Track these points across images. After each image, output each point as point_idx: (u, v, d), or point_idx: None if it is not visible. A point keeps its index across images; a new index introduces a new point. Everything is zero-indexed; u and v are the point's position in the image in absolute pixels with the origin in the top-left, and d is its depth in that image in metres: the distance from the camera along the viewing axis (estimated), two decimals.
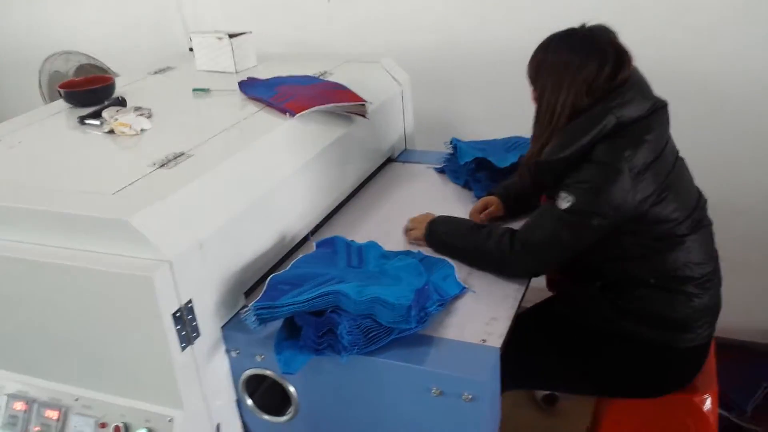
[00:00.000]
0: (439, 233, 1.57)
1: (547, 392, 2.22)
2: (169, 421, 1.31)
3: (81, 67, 2.58)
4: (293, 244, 1.65)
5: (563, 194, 1.37)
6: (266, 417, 1.45)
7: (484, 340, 1.30)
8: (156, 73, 2.22)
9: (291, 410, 1.42)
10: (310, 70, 2.07)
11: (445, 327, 1.35)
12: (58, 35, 3.02)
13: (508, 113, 2.49)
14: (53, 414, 1.39)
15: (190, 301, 1.28)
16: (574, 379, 1.57)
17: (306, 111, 1.71)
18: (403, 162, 2.17)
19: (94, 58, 2.58)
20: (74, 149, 1.63)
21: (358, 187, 1.97)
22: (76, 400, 1.39)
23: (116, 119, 1.64)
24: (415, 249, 1.59)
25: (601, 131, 1.35)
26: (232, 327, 1.40)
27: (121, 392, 1.35)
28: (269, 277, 1.38)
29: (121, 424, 1.33)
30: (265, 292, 1.34)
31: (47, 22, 3.09)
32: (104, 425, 1.35)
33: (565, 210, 1.36)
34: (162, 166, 1.43)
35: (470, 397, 1.22)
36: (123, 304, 1.24)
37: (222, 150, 1.51)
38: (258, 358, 1.38)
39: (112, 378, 1.35)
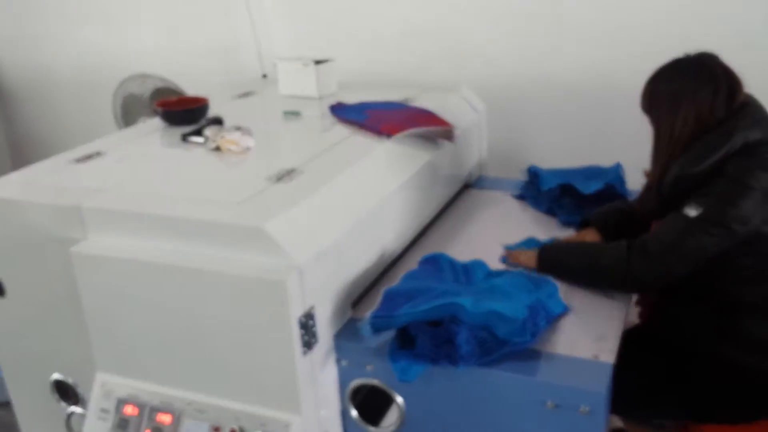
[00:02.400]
0: (551, 252, 1.60)
1: (616, 428, 2.22)
2: (286, 426, 1.33)
3: (157, 90, 2.67)
4: (390, 261, 1.69)
5: (692, 204, 1.40)
6: (372, 429, 1.47)
7: (596, 356, 1.33)
8: (240, 96, 2.30)
9: (396, 422, 1.44)
10: (391, 98, 2.14)
11: (554, 343, 1.38)
12: (129, 58, 3.13)
13: (576, 144, 2.56)
14: (166, 418, 1.42)
15: (312, 308, 1.32)
16: (668, 403, 1.58)
17: (401, 133, 1.77)
18: (480, 188, 2.22)
19: (169, 81, 2.67)
20: (184, 164, 1.70)
21: (440, 211, 2.02)
22: (189, 404, 1.42)
23: (223, 137, 1.71)
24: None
25: (731, 149, 1.40)
26: (343, 336, 1.44)
27: (236, 396, 1.38)
28: (384, 290, 1.42)
29: (236, 428, 1.36)
30: (381, 303, 1.38)
31: (121, 44, 3.20)
32: (218, 429, 1.38)
33: (693, 217, 1.40)
34: (278, 180, 1.49)
35: (587, 410, 1.24)
36: (252, 307, 1.28)
37: (330, 167, 1.58)
38: (368, 368, 1.41)
39: (227, 382, 1.38)
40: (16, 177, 1.66)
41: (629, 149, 2.22)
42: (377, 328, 1.35)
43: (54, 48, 3.43)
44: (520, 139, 2.64)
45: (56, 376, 1.70)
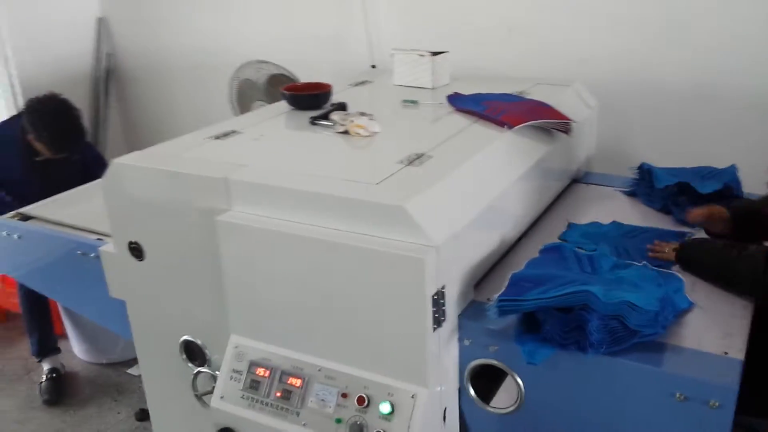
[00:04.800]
0: (691, 247, 1.63)
1: None
2: (412, 397, 1.39)
3: (272, 76, 2.79)
4: (508, 248, 1.74)
5: None
6: (489, 408, 1.52)
7: (725, 353, 1.33)
8: (356, 85, 2.38)
9: (515, 403, 1.48)
10: (504, 90, 2.17)
11: (681, 337, 1.39)
12: (242, 44, 3.28)
13: (681, 145, 2.53)
14: (296, 381, 1.50)
15: (443, 287, 1.38)
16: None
17: (522, 124, 1.81)
18: (587, 184, 2.23)
19: (284, 68, 2.78)
20: (316, 145, 1.79)
21: (551, 203, 2.05)
22: (319, 370, 1.50)
23: (351, 121, 1.78)
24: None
25: None
26: (467, 316, 1.49)
27: (365, 366, 1.44)
28: (511, 274, 1.46)
29: (364, 395, 1.43)
30: (508, 287, 1.43)
31: (235, 31, 3.35)
32: (346, 395, 1.45)
33: None
34: (410, 163, 1.55)
35: (717, 404, 1.25)
36: (390, 282, 1.34)
37: (458, 153, 1.63)
38: (491, 349, 1.46)
39: (357, 351, 1.45)
40: (159, 150, 1.78)
41: (738, 152, 2.20)
42: (505, 311, 1.39)
43: (169, 33, 3.62)
44: (624, 138, 2.63)
45: (186, 337, 1.81)
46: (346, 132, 1.80)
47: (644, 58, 2.51)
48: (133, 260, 1.77)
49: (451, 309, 1.44)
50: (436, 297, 1.35)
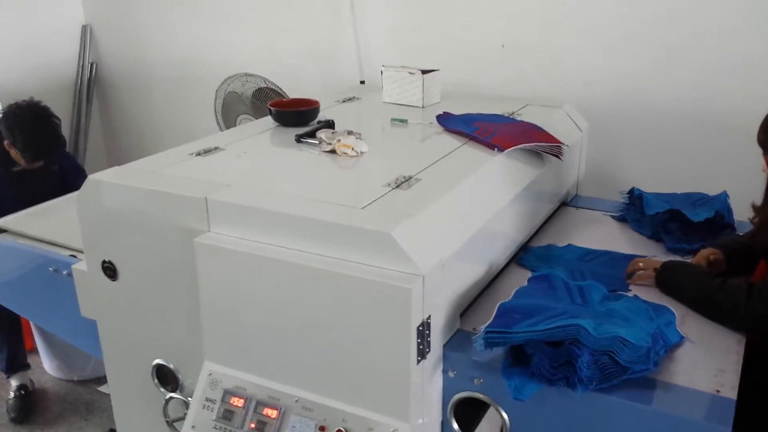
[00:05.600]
0: (673, 270, 1.60)
1: None
2: None
3: (258, 90, 2.73)
4: (495, 274, 1.69)
5: None
6: None
7: (718, 391, 1.29)
8: (344, 101, 2.34)
9: None
10: (495, 110, 2.13)
11: (672, 373, 1.35)
12: (227, 56, 3.22)
13: (673, 170, 2.51)
14: (272, 412, 1.44)
15: (429, 317, 1.32)
16: None
17: (513, 147, 1.77)
18: (577, 207, 2.19)
19: (271, 82, 2.73)
20: (301, 164, 1.73)
21: (539, 227, 2.00)
22: (296, 401, 1.43)
23: (339, 140, 1.73)
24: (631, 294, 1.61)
25: None
26: (452, 347, 1.43)
27: (344, 397, 1.38)
28: (498, 304, 1.41)
29: (343, 429, 1.36)
30: (495, 318, 1.38)
31: (220, 42, 3.29)
32: (324, 429, 1.39)
33: None
34: (397, 186, 1.50)
35: None
36: (374, 312, 1.28)
37: (447, 177, 1.58)
38: (476, 382, 1.40)
39: (337, 382, 1.39)
40: (138, 166, 1.71)
41: (729, 178, 2.17)
42: (492, 343, 1.34)
43: (155, 42, 3.56)
44: (613, 160, 2.60)
45: (158, 361, 1.74)
46: (332, 151, 1.75)
47: (637, 80, 2.49)
48: (106, 280, 1.70)
49: (436, 339, 1.39)
50: (421, 328, 1.29)
